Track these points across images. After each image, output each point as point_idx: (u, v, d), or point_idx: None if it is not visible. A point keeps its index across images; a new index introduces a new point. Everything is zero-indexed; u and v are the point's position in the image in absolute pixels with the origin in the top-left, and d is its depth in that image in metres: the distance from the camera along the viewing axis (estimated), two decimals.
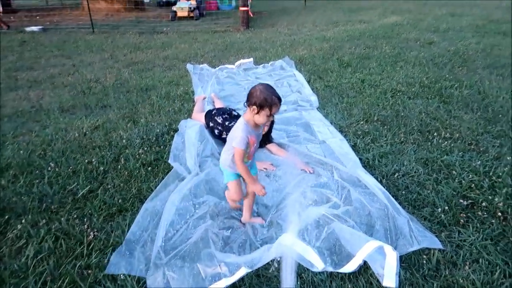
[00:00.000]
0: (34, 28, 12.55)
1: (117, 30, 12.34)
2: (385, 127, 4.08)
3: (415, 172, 3.20)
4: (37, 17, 16.71)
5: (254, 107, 2.18)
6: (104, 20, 15.14)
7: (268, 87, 2.24)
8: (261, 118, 2.22)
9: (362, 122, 4.22)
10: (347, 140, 3.82)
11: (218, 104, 4.83)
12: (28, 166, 3.52)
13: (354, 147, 3.69)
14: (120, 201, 2.96)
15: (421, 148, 3.60)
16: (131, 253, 2.41)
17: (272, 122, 3.71)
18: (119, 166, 3.48)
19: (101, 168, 3.44)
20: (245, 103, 2.26)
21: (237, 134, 2.26)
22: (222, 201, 2.88)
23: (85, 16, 12.68)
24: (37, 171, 3.43)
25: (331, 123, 4.30)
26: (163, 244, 2.40)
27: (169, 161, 3.42)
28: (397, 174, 3.20)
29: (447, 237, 2.47)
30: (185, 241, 2.44)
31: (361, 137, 3.89)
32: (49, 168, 3.46)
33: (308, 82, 5.72)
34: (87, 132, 4.23)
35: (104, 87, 5.94)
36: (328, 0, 20.31)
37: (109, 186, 3.17)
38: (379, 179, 3.13)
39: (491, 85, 5.15)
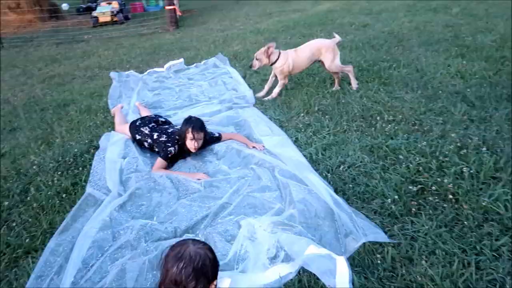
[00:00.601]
0: None
1: (30, 42, 11.29)
2: (327, 116, 3.85)
3: (361, 162, 2.98)
4: None
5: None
6: (15, 33, 13.88)
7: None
8: None
9: (302, 114, 3.96)
10: (288, 135, 3.53)
11: (145, 113, 4.37)
12: None
13: (296, 142, 3.42)
14: (27, 240, 2.48)
15: (365, 135, 3.40)
16: None
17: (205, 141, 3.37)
18: (28, 198, 2.96)
19: (6, 203, 2.90)
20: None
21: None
22: (149, 221, 2.48)
23: None
24: None
25: (270, 118, 4.00)
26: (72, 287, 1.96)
27: (87, 186, 2.94)
28: (342, 166, 2.96)
29: (400, 229, 2.25)
30: (98, 282, 2.02)
31: (302, 130, 3.63)
32: None
33: (244, 78, 5.40)
34: None
35: (14, 107, 5.24)
36: None
37: (14, 224, 2.67)
38: (323, 174, 2.88)
39: (428, 62, 5.09)
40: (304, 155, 3.15)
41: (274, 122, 3.91)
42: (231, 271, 2.04)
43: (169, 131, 3.47)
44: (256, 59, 4.57)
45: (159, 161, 3.24)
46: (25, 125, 4.54)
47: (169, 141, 3.32)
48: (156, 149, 3.42)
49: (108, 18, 13.63)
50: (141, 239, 2.31)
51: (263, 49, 4.51)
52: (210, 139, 3.47)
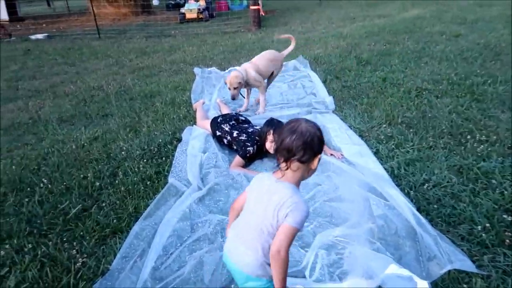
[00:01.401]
0: (39, 36, 12.47)
1: (123, 35, 12.15)
2: (411, 130, 3.67)
3: (447, 182, 2.79)
4: (44, 25, 16.69)
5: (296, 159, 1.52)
6: (111, 25, 15.00)
7: (314, 131, 1.55)
8: (306, 172, 1.59)
9: (384, 125, 3.82)
10: (368, 145, 3.43)
11: (225, 110, 4.50)
12: (20, 183, 3.24)
13: (376, 154, 3.30)
14: (115, 221, 2.65)
15: (453, 154, 3.19)
16: (115, 285, 2.07)
17: None
18: (116, 181, 3.17)
19: (97, 184, 3.13)
20: (280, 158, 1.55)
21: (300, 208, 1.49)
22: (226, 217, 2.54)
23: (92, 22, 12.54)
24: (28, 189, 3.15)
25: (350, 127, 3.91)
26: (152, 272, 2.07)
27: (168, 177, 3.09)
28: (427, 184, 2.80)
29: (491, 260, 2.08)
30: (177, 270, 2.10)
31: (384, 142, 3.49)
32: (41, 185, 3.17)
33: (324, 82, 5.33)
34: (85, 144, 3.94)
35: (107, 95, 5.66)
36: None
37: (104, 204, 2.86)
38: (405, 190, 2.74)
39: None
40: (385, 168, 3.03)
41: (353, 130, 3.81)
42: (304, 279, 2.02)
43: (249, 130, 3.53)
44: (234, 88, 4.30)
45: (238, 159, 3.32)
46: (116, 112, 4.87)
47: (248, 141, 3.38)
48: (235, 147, 3.50)
49: (194, 15, 14.23)
50: (218, 234, 2.37)
51: (234, 77, 4.26)
52: None
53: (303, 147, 1.51)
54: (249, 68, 4.46)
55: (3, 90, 6.38)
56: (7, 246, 2.46)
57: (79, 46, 10.51)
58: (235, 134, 3.52)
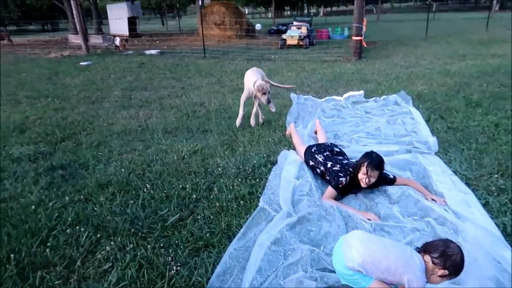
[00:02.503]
0: (153, 52, 13.73)
1: (227, 56, 12.84)
2: None
3: None
4: (157, 41, 18.37)
5: (445, 271, 1.93)
6: (216, 46, 15.98)
7: (462, 254, 1.97)
8: (440, 281, 1.98)
9: (496, 176, 3.48)
10: (475, 195, 3.15)
11: (320, 134, 4.49)
12: (127, 185, 3.53)
13: (485, 206, 3.01)
14: (207, 235, 2.76)
15: None
16: None
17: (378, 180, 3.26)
18: (211, 196, 3.30)
19: (194, 196, 3.30)
20: (422, 248, 2.03)
21: (418, 282, 1.93)
22: (316, 249, 2.49)
23: (199, 42, 13.50)
24: (133, 191, 3.42)
25: (454, 172, 3.63)
26: None
27: (260, 199, 3.14)
28: None
29: None
30: None
31: (495, 194, 3.18)
32: (145, 190, 3.43)
33: (427, 121, 5.05)
34: (185, 156, 4.19)
35: (208, 111, 5.99)
36: (452, 31, 18.76)
37: (199, 217, 2.99)
38: None
39: None
40: (496, 224, 2.74)
41: (459, 177, 3.53)
42: None
43: (344, 162, 3.46)
44: (269, 93, 4.97)
45: (329, 190, 3.25)
46: (215, 128, 5.12)
47: (341, 171, 3.31)
48: (328, 177, 3.44)
49: (295, 42, 14.58)
50: (307, 265, 2.33)
51: (264, 84, 4.93)
52: (383, 180, 3.33)
53: (442, 251, 1.94)
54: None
55: (120, 98, 7.08)
56: (112, 243, 2.68)
57: (186, 63, 11.34)
58: (328, 165, 3.47)
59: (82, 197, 3.34)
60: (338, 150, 3.83)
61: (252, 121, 5.27)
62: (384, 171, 3.41)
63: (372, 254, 1.98)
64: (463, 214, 2.87)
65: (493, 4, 30.93)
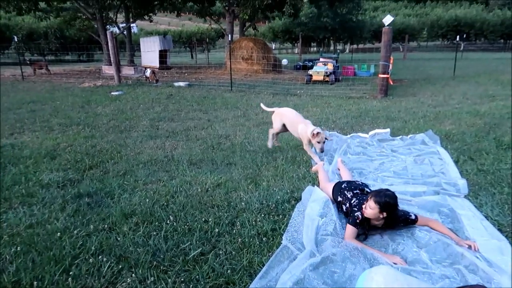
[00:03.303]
0: (181, 84, 14.13)
1: (253, 89, 13.06)
2: None
3: None
4: (186, 74, 18.94)
5: None
6: (242, 79, 16.30)
7: None
8: None
9: None
10: (510, 243, 3.00)
11: (344, 173, 4.43)
12: (150, 216, 3.55)
13: None
14: (229, 271, 2.72)
15: None
16: None
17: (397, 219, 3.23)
18: (234, 231, 3.28)
19: (216, 230, 3.28)
20: None
21: None
22: None
23: (227, 75, 13.84)
24: (156, 222, 3.43)
25: (486, 217, 3.49)
26: None
27: (283, 237, 3.09)
28: None
29: None
30: None
31: None
32: (168, 221, 3.44)
33: (456, 162, 4.92)
34: (209, 189, 4.20)
35: (233, 144, 6.04)
36: (481, 71, 18.54)
37: (220, 252, 2.96)
38: None
39: None
40: None
41: (490, 222, 3.39)
42: None
43: (364, 198, 3.38)
44: (323, 142, 5.00)
45: (348, 228, 3.17)
46: (239, 162, 5.14)
47: (356, 206, 3.26)
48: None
49: (321, 78, 14.72)
50: None
51: (322, 133, 4.98)
52: (404, 220, 3.25)
53: None
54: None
55: (147, 128, 7.25)
56: (133, 275, 2.67)
57: (213, 96, 11.57)
58: (353, 202, 3.40)
59: (106, 226, 3.37)
60: (368, 190, 3.75)
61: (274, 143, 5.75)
62: (406, 210, 3.34)
63: None
64: (497, 263, 2.74)
65: None
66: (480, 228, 3.26)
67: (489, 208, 3.68)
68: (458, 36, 23.55)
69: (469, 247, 2.95)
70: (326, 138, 5.07)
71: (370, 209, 3.08)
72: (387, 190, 3.18)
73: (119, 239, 3.15)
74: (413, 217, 3.28)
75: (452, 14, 48.28)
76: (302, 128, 5.22)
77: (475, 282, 2.54)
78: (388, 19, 11.02)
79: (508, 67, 19.80)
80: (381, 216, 3.08)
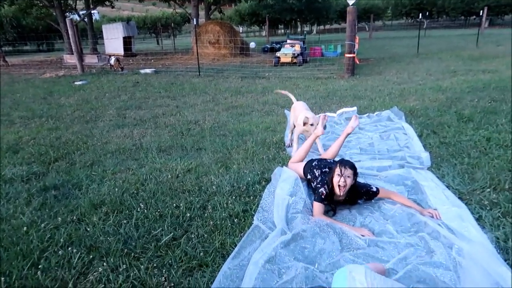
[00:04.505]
0: (148, 71, 13.84)
1: (221, 74, 12.95)
2: None
3: None
4: (152, 61, 18.55)
5: None
6: (210, 64, 16.13)
7: None
8: None
9: (488, 190, 3.50)
10: (469, 210, 3.15)
11: (321, 151, 4.51)
12: (120, 205, 3.51)
13: (478, 220, 3.02)
14: (201, 254, 2.74)
15: None
16: None
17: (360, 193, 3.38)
18: (205, 214, 3.29)
19: (188, 215, 3.28)
20: None
21: None
22: (310, 267, 2.48)
23: (194, 60, 13.65)
24: (127, 211, 3.40)
25: (447, 187, 3.65)
26: None
27: (254, 217, 3.13)
28: None
29: None
30: None
31: (487, 208, 3.19)
32: (139, 209, 3.41)
33: (419, 136, 5.09)
34: (179, 175, 4.18)
35: (202, 129, 6.01)
36: (443, 48, 19.02)
37: (192, 236, 2.97)
38: None
39: None
40: (489, 238, 2.74)
41: (452, 191, 3.54)
42: None
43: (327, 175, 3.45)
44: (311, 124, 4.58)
45: (316, 205, 3.23)
46: (209, 146, 5.13)
47: (319, 182, 3.34)
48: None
49: (288, 60, 14.73)
50: (303, 283, 2.32)
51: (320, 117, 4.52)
52: (365, 192, 3.37)
53: None
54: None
55: (114, 117, 7.09)
56: (104, 264, 2.65)
57: (181, 82, 11.41)
58: (319, 179, 3.47)
59: (75, 217, 3.31)
60: None
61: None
62: (367, 183, 3.46)
63: None
64: (457, 229, 2.88)
65: (482, 21, 31.52)
66: (442, 198, 3.40)
67: (451, 178, 3.84)
68: (420, 14, 24.05)
69: (432, 215, 3.08)
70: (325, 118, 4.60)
71: (348, 178, 3.15)
72: (343, 159, 3.39)
73: (88, 229, 3.10)
74: (374, 189, 3.38)
75: None
76: (299, 117, 4.81)
77: (438, 247, 2.66)
78: None
79: (468, 43, 20.44)
80: (344, 181, 3.14)
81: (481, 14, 28.71)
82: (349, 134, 4.28)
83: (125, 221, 3.20)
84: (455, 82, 9.09)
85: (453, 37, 28.80)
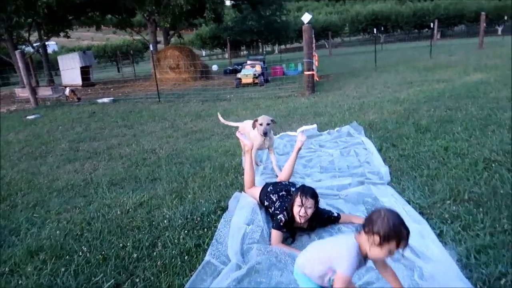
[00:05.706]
0: (105, 100, 13.41)
1: (182, 98, 12.71)
2: (480, 209, 3.23)
3: None
4: (111, 89, 18.12)
5: (376, 237, 1.85)
6: (171, 89, 15.87)
7: (397, 216, 1.92)
8: (381, 252, 1.87)
9: (448, 202, 3.41)
10: (430, 226, 3.04)
11: (278, 174, 4.33)
12: (60, 250, 3.20)
13: (439, 236, 2.91)
14: None
15: None
16: None
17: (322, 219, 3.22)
18: (154, 253, 3.02)
19: (134, 255, 3.00)
20: (360, 227, 1.97)
21: (346, 258, 1.93)
22: None
23: (155, 87, 13.33)
24: (67, 256, 3.09)
25: (408, 202, 3.54)
26: None
27: (207, 252, 2.90)
28: (504, 279, 2.36)
29: None
30: None
31: (448, 222, 3.09)
32: (80, 253, 3.10)
33: (379, 150, 5.02)
34: (130, 210, 3.90)
35: (158, 158, 5.73)
36: (400, 60, 19.59)
37: (137, 280, 2.70)
38: (478, 285, 2.32)
39: None
40: (451, 255, 2.62)
41: (412, 206, 3.44)
42: None
43: (286, 200, 3.28)
44: (267, 124, 4.61)
45: (274, 232, 3.05)
46: (164, 176, 4.86)
47: (278, 209, 3.16)
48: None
49: (250, 80, 14.70)
50: None
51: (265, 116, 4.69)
52: (327, 218, 3.23)
53: (369, 218, 1.93)
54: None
55: (66, 151, 6.70)
56: None
57: (140, 109, 11.08)
58: (276, 205, 3.28)
59: (7, 269, 2.97)
60: (294, 189, 3.66)
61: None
62: (328, 209, 3.32)
63: (310, 255, 2.18)
64: (418, 248, 2.74)
65: (434, 33, 32.97)
66: (402, 214, 3.27)
67: (411, 192, 3.75)
68: (375, 29, 24.83)
69: None
70: (272, 121, 4.72)
71: (309, 208, 2.97)
72: (305, 185, 3.17)
73: (21, 282, 2.77)
74: (335, 214, 3.25)
75: (370, 9, 50.96)
76: (251, 132, 4.83)
77: (400, 269, 2.51)
78: (306, 17, 11.25)
79: (422, 55, 21.18)
80: (304, 212, 2.96)
81: (432, 26, 29.96)
82: (300, 149, 4.11)
83: (63, 269, 2.88)
84: (412, 93, 9.25)
85: (408, 49, 29.85)
